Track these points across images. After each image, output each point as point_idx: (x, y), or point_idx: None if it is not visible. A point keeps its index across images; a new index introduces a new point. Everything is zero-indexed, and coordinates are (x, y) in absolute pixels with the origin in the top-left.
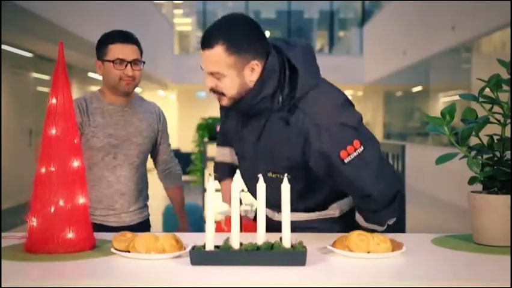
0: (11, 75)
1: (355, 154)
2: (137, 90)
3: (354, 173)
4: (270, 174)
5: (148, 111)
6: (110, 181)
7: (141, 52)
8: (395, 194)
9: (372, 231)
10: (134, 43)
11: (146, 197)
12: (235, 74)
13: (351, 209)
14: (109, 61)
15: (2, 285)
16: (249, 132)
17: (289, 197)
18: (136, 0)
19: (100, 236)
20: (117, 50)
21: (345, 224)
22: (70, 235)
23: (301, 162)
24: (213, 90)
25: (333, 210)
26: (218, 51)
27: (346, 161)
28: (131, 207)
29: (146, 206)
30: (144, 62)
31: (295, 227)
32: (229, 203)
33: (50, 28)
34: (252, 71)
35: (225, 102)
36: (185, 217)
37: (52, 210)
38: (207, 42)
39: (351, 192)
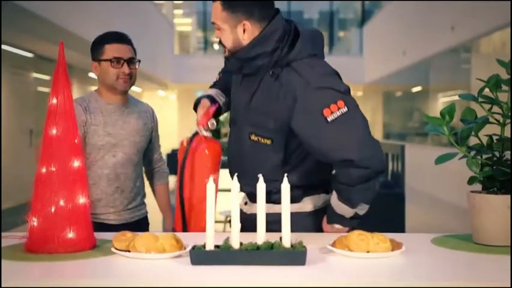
0: (12, 75)
1: (338, 113)
2: (137, 90)
3: (337, 133)
4: (253, 136)
5: (142, 110)
6: (110, 179)
7: (135, 53)
8: (376, 173)
9: (340, 217)
10: (129, 43)
11: (144, 195)
12: (229, 29)
13: (323, 207)
14: (106, 60)
15: (2, 285)
16: (243, 92)
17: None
18: (136, 0)
19: (100, 235)
20: (113, 50)
21: (318, 220)
22: (71, 235)
23: (286, 125)
24: (220, 41)
25: (307, 204)
26: (217, 5)
27: (329, 119)
28: (130, 204)
29: (144, 203)
30: (140, 61)
31: (267, 220)
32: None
33: (50, 28)
34: (244, 31)
35: (226, 53)
36: (171, 216)
37: (53, 210)
38: None
39: (333, 157)
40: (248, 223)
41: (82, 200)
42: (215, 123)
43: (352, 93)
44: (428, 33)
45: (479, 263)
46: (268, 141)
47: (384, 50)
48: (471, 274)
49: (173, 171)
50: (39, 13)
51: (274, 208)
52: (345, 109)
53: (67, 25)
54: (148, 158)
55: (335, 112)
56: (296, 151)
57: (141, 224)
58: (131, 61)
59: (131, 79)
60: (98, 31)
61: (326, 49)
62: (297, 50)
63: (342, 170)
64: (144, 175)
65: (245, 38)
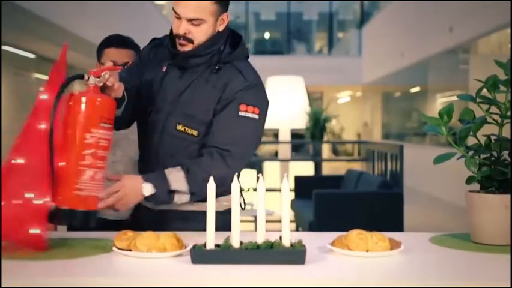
0: (14, 76)
1: (249, 115)
2: None
3: (236, 127)
4: (179, 127)
5: None
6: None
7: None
8: (219, 179)
9: (164, 186)
10: (131, 48)
11: None
12: (212, 21)
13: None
14: (102, 64)
15: (2, 285)
16: (175, 85)
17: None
18: (137, 0)
19: (100, 235)
20: (110, 54)
21: (227, 221)
22: (29, 231)
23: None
24: (182, 36)
25: (219, 203)
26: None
27: (240, 114)
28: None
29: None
30: None
31: (176, 217)
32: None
33: (52, 29)
34: (222, 22)
35: (189, 48)
36: None
37: (16, 202)
38: None
39: (217, 139)
40: (152, 219)
41: (42, 199)
42: (109, 78)
43: (351, 93)
44: (427, 35)
45: (477, 262)
46: (195, 132)
47: (383, 51)
48: (470, 273)
49: None
50: (41, 14)
51: (200, 206)
52: (256, 117)
53: (68, 26)
54: None
55: (248, 112)
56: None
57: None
58: (126, 66)
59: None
60: (99, 32)
61: (325, 50)
62: (239, 50)
63: (210, 158)
64: None
65: (219, 30)
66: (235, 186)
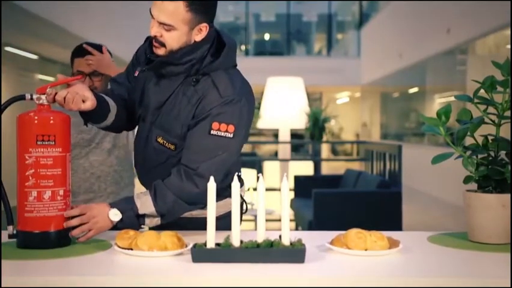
0: (17, 77)
1: (222, 134)
2: None
3: (206, 145)
4: (159, 139)
5: None
6: (85, 167)
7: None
8: (195, 201)
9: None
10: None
11: (128, 180)
12: (185, 30)
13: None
14: (73, 74)
15: (2, 285)
16: (157, 93)
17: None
18: (139, 0)
19: (99, 234)
20: (77, 64)
21: (222, 226)
22: None
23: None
24: (155, 38)
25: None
26: (179, 5)
27: (212, 132)
28: (108, 188)
29: (129, 189)
30: (102, 75)
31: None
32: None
33: (54, 31)
34: (200, 32)
35: (162, 52)
36: None
37: None
38: None
39: (186, 157)
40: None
41: None
42: (55, 92)
43: (350, 94)
44: (425, 36)
45: (475, 261)
46: (172, 147)
47: (382, 51)
48: (466, 271)
49: None
50: (44, 16)
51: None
52: (230, 135)
53: (70, 27)
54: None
55: (220, 131)
56: None
57: None
58: (94, 74)
59: (96, 90)
60: (100, 33)
61: (324, 51)
62: (220, 60)
63: (178, 177)
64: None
65: (196, 39)
66: (235, 186)
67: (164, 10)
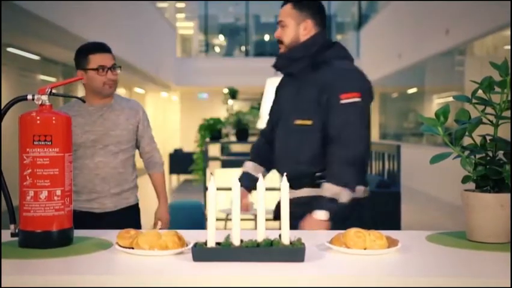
0: (19, 77)
1: (350, 101)
2: (141, 91)
3: (342, 114)
4: (297, 121)
5: (127, 107)
6: (90, 167)
7: (114, 59)
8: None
9: (332, 201)
10: (110, 52)
11: (132, 183)
12: (293, 26)
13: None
14: (92, 69)
15: (2, 285)
16: (287, 90)
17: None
18: (140, 0)
19: (100, 234)
20: (98, 59)
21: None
22: None
23: (321, 107)
24: (278, 40)
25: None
26: (287, 5)
27: (342, 102)
28: (112, 189)
29: (131, 191)
30: (120, 67)
31: (303, 202)
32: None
33: (55, 31)
34: (305, 29)
35: (282, 49)
36: (166, 202)
37: None
38: (284, 2)
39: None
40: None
41: None
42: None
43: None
44: (423, 37)
45: (473, 260)
46: (310, 122)
47: (381, 52)
48: (464, 270)
49: (174, 170)
50: (45, 16)
51: (314, 191)
52: (357, 100)
53: (72, 28)
54: (140, 150)
55: (348, 99)
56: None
57: (129, 213)
58: (113, 68)
59: (115, 83)
60: (101, 33)
61: None
62: (334, 51)
63: (336, 148)
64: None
65: (304, 34)
66: (235, 185)
67: (281, 12)
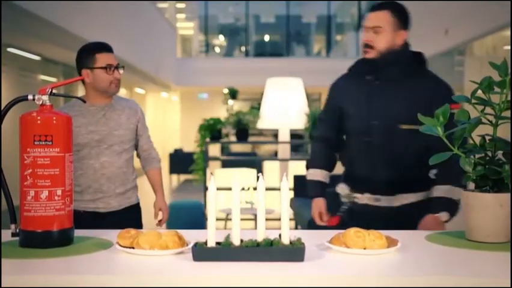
0: (20, 78)
1: (454, 111)
2: (141, 91)
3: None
4: (404, 126)
5: (127, 107)
6: (95, 167)
7: None
8: None
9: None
10: (113, 52)
11: (133, 182)
12: (391, 31)
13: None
14: (100, 68)
15: (2, 285)
16: (382, 94)
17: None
18: (140, 0)
19: (100, 233)
20: (105, 58)
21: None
22: None
23: (428, 112)
24: (367, 44)
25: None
26: (385, 12)
27: (452, 111)
28: (117, 189)
29: (133, 190)
30: (123, 67)
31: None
32: (317, 219)
33: (56, 31)
34: (401, 38)
35: (371, 55)
36: (163, 195)
37: None
38: (377, 7)
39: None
40: (386, 216)
41: None
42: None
43: None
44: (423, 36)
45: (472, 260)
46: (417, 126)
47: None
48: (464, 269)
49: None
50: (45, 16)
51: (410, 197)
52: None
53: (72, 28)
54: (138, 149)
55: (454, 109)
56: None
57: (131, 212)
58: (118, 67)
59: (119, 82)
60: (101, 33)
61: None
62: (426, 63)
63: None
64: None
65: (398, 44)
66: (235, 185)
67: (376, 17)
